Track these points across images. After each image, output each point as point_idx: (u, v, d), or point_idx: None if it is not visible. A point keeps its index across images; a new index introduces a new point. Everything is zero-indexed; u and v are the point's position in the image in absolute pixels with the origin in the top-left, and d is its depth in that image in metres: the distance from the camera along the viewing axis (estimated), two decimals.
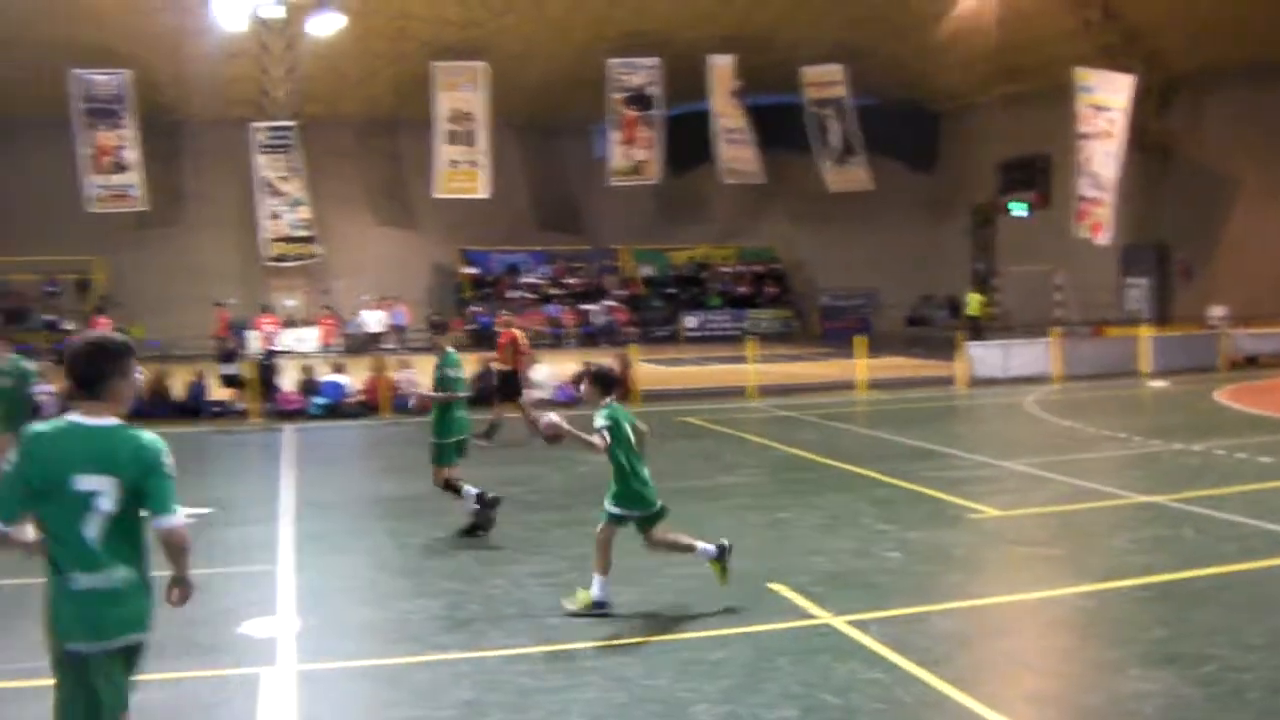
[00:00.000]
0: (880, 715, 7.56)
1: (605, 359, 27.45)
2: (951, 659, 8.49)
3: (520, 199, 47.25)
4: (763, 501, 14.96)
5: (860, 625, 9.21)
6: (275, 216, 43.53)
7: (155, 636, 9.18)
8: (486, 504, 13.13)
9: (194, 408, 24.68)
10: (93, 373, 5.58)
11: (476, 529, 13.11)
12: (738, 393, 27.44)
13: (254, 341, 29.19)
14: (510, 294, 47.13)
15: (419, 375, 25.77)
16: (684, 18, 40.72)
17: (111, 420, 5.56)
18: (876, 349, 30.57)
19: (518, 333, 21.90)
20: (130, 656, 5.65)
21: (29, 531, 5.44)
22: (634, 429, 9.94)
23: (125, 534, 5.48)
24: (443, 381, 13.75)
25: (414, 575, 11.36)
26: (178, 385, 25.75)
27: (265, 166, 43.09)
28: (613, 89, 43.35)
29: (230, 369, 26.24)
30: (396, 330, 43.63)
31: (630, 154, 44.07)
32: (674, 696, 7.85)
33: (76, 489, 5.36)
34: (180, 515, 5.61)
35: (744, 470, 17.78)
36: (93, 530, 5.38)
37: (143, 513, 5.51)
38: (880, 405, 26.13)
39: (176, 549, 5.70)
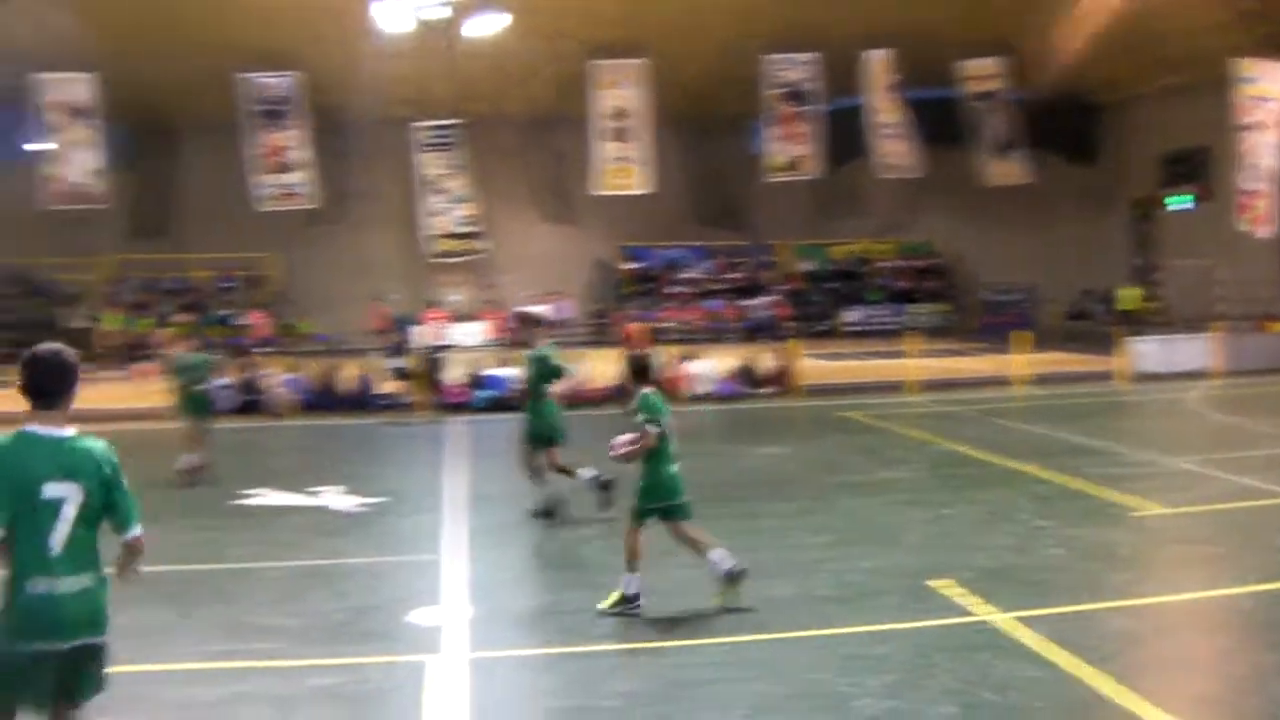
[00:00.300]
0: (1041, 714, 7.55)
1: (764, 354, 27.66)
2: (1112, 658, 8.43)
3: (680, 195, 47.26)
4: (922, 497, 14.90)
5: (1021, 623, 9.17)
6: (438, 214, 44.24)
7: (332, 620, 9.60)
8: (555, 507, 13.93)
9: (362, 400, 25.29)
10: (55, 385, 5.82)
11: (550, 513, 13.87)
12: (897, 388, 27.25)
13: (420, 336, 29.73)
14: (670, 289, 47.32)
15: (582, 369, 26.13)
16: (841, 12, 40.38)
17: (69, 430, 5.78)
18: (1036, 344, 30.11)
19: (637, 330, 22.08)
20: (85, 657, 5.86)
21: None
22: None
23: (86, 540, 5.74)
24: (543, 374, 14.36)
25: (576, 567, 11.57)
26: (346, 379, 26.42)
27: (427, 164, 43.79)
28: (769, 85, 43.23)
29: (397, 363, 26.81)
30: (559, 324, 44.01)
31: (787, 149, 43.87)
32: (836, 690, 7.91)
33: (45, 497, 5.59)
34: (139, 527, 5.96)
35: (904, 465, 17.70)
36: (57, 537, 5.62)
37: (103, 523, 5.80)
38: (1040, 401, 25.76)
39: (137, 554, 6.05)
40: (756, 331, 43.90)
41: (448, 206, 44.08)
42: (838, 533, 12.68)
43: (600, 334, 44.11)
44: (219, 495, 15.70)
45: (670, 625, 9.40)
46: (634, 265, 48.57)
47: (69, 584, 5.68)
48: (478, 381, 25.85)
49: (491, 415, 24.17)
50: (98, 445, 5.85)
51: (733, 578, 9.77)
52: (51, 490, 5.61)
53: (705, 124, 47.46)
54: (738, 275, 48.59)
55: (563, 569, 11.60)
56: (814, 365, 29.46)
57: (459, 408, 24.91)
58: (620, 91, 42.66)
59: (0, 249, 45.71)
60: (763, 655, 8.67)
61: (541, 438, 14.28)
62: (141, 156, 47.21)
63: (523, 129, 45.64)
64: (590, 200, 44.75)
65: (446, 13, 38.60)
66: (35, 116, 42.83)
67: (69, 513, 5.65)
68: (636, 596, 9.82)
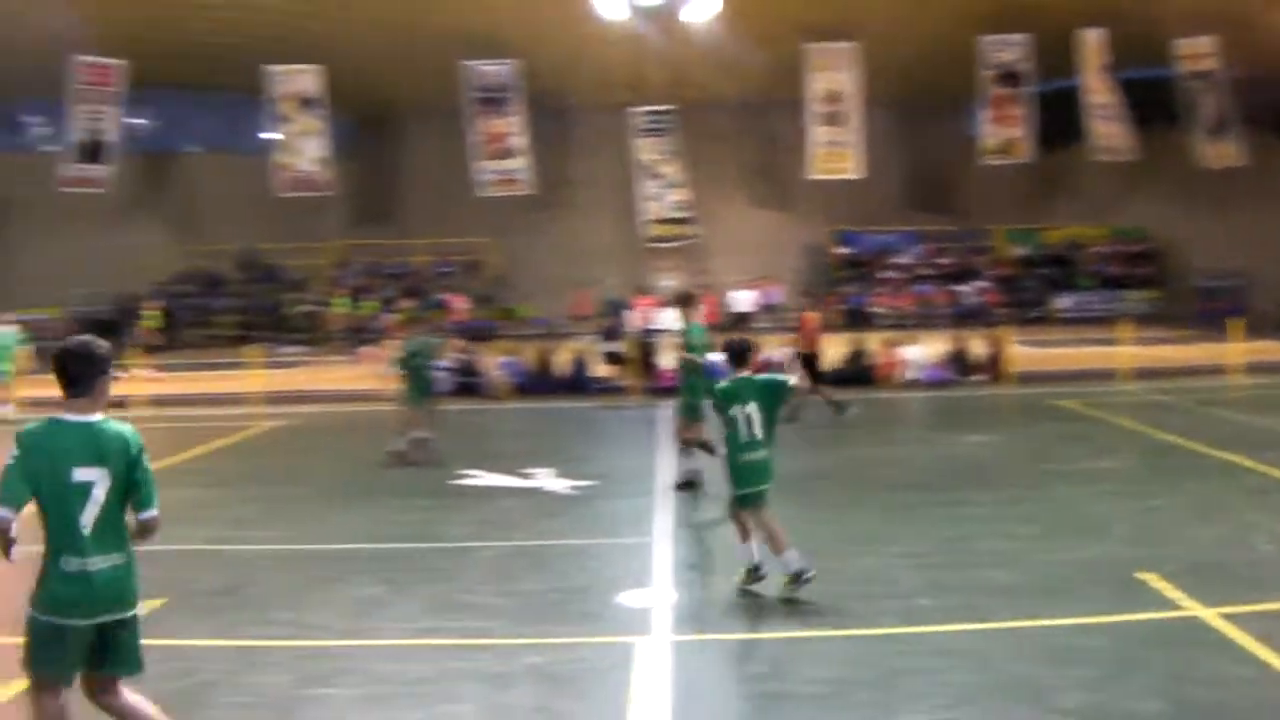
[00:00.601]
0: (1251, 714, 7.27)
1: (975, 341, 27.20)
2: None
3: (891, 179, 46.68)
4: (1132, 487, 14.45)
5: (1231, 619, 8.81)
6: (654, 199, 44.56)
7: (543, 600, 9.75)
8: (693, 480, 14.41)
9: (576, 384, 25.62)
10: (84, 375, 6.15)
11: (690, 485, 14.35)
12: (1109, 376, 26.48)
13: (634, 321, 30.04)
14: (882, 274, 46.80)
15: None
16: None
17: (97, 416, 6.11)
18: (1251, 332, 28.92)
19: (814, 316, 21.91)
20: (116, 630, 6.20)
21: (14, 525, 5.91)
22: (764, 405, 10.02)
23: (114, 521, 6.07)
24: (690, 349, 14.71)
25: None
26: (562, 362, 26.81)
27: (644, 150, 44.11)
28: (983, 66, 42.42)
29: (612, 347, 27.09)
30: (769, 309, 43.98)
31: (1001, 132, 42.95)
32: (1039, 682, 7.74)
33: (75, 480, 5.94)
34: (156, 509, 6.25)
35: (1114, 455, 17.19)
36: (87, 518, 5.96)
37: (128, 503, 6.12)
38: (1255, 391, 24.73)
39: (150, 532, 6.28)
40: (967, 318, 43.09)
41: (662, 192, 44.34)
42: (1046, 523, 12.39)
43: None
44: (438, 476, 16.08)
45: (875, 613, 9.30)
46: (845, 250, 48.12)
47: (99, 562, 6.02)
48: None
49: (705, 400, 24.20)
50: (125, 429, 6.18)
51: (797, 578, 9.83)
52: (81, 474, 5.96)
53: (917, 107, 46.81)
54: (949, 260, 47.76)
55: (769, 554, 11.57)
56: (1024, 352, 28.82)
57: (671, 392, 25.00)
58: (833, 75, 42.34)
59: (234, 235, 47.76)
60: (967, 645, 8.52)
61: (692, 411, 14.59)
62: (365, 145, 48.78)
63: (735, 113, 45.62)
64: (802, 184, 44.49)
65: None
66: (268, 107, 44.47)
67: (99, 495, 5.99)
68: (760, 565, 10.02)
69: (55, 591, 6.00)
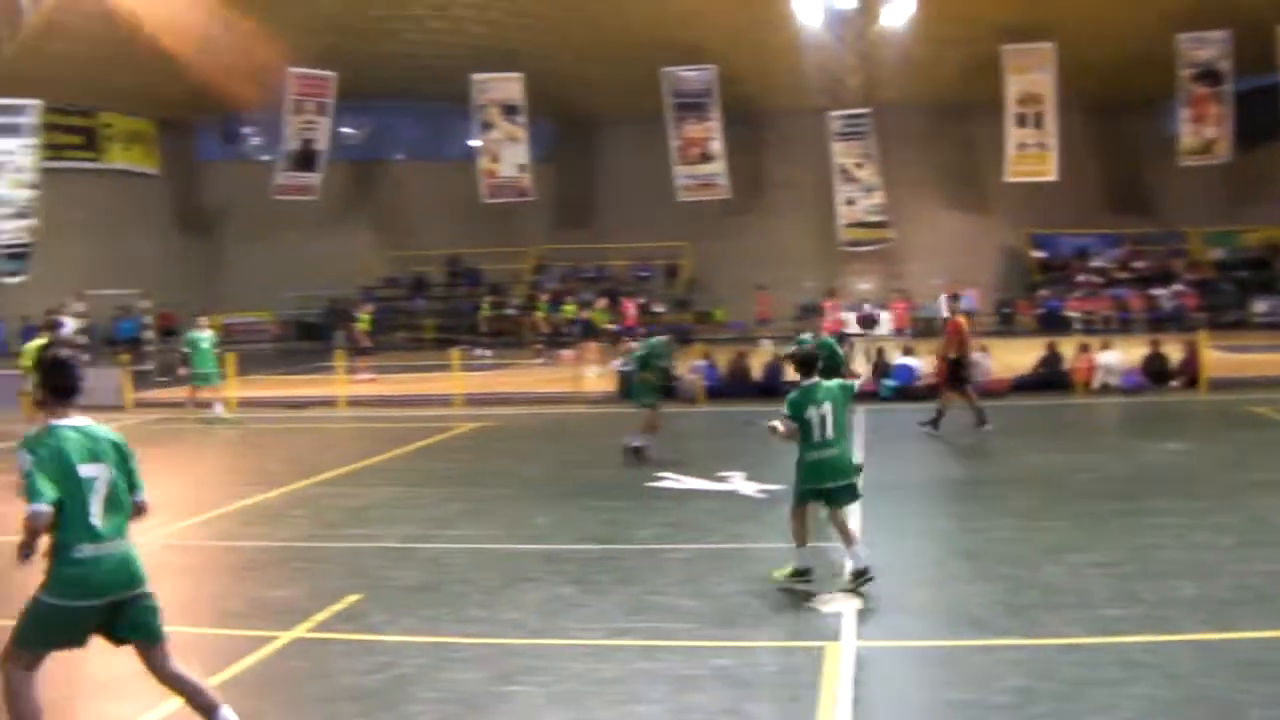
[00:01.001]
0: None
1: (1171, 346, 26.44)
2: None
3: (1088, 180, 45.51)
4: None
5: None
6: (850, 202, 44.31)
7: (733, 603, 9.82)
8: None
9: (771, 387, 25.60)
10: (74, 385, 7.02)
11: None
12: None
13: (825, 325, 30.06)
14: (1078, 277, 45.69)
15: (990, 359, 25.71)
16: None
17: (86, 421, 6.94)
18: None
19: (962, 320, 21.50)
20: (130, 605, 6.92)
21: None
22: (838, 406, 10.66)
23: (118, 510, 6.86)
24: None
25: (974, 558, 11.42)
26: (756, 366, 26.85)
27: (840, 153, 43.86)
28: (1181, 64, 41.18)
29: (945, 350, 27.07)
30: (966, 314, 43.42)
31: (1199, 131, 41.63)
32: (1228, 698, 7.53)
33: (82, 476, 6.69)
34: (144, 493, 7.13)
35: None
36: (95, 509, 6.71)
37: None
38: None
39: (143, 513, 7.17)
40: (1163, 322, 41.86)
41: (857, 195, 44.05)
42: (1240, 533, 12.02)
43: (1007, 324, 43.23)
44: (633, 478, 16.30)
45: (1063, 622, 9.15)
46: (1041, 254, 47.14)
47: (109, 548, 6.77)
48: (885, 370, 25.76)
49: (897, 405, 24.07)
50: (113, 433, 7.03)
51: (859, 576, 10.21)
52: (85, 471, 6.72)
53: (1114, 106, 45.54)
54: (1145, 263, 46.37)
55: (959, 560, 11.47)
56: (1221, 358, 27.89)
57: (865, 397, 24.88)
58: (1029, 76, 41.64)
59: (438, 240, 48.92)
60: (1154, 657, 8.32)
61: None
62: (564, 150, 49.46)
63: (931, 116, 45.09)
64: (998, 187, 43.82)
65: (855, 2, 38.66)
66: (472, 115, 45.47)
67: (101, 489, 6.77)
68: (808, 570, 10.45)
69: (71, 575, 6.68)
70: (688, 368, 26.66)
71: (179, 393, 27.09)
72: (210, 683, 8.06)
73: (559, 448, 20.72)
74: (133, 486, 7.03)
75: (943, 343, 21.72)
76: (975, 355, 25.27)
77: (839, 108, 43.48)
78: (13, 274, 37.82)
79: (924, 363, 25.70)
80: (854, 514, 13.38)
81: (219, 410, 25.41)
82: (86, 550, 6.67)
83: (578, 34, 41.64)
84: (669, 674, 8.24)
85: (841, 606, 9.73)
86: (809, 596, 10.03)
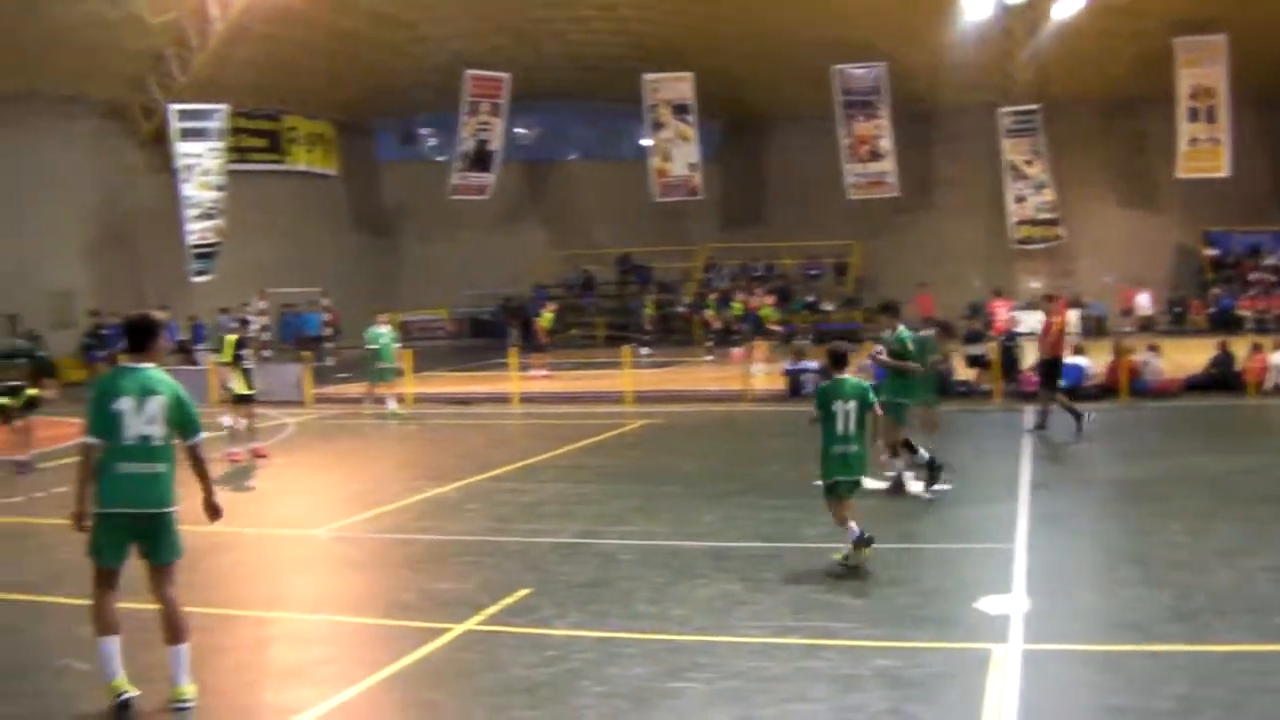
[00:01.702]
0: None
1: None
2: None
3: (1261, 176, 43.98)
4: None
5: None
6: (1020, 200, 43.66)
7: (898, 603, 9.81)
8: (935, 468, 14.77)
9: (939, 386, 25.34)
10: (140, 337, 8.20)
11: (899, 489, 14.77)
12: None
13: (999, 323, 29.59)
14: (1251, 276, 44.20)
15: (1161, 359, 25.13)
16: None
17: (148, 365, 8.10)
18: None
19: (1058, 320, 20.92)
20: (157, 523, 7.96)
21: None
22: (861, 405, 11.29)
23: (165, 438, 7.96)
24: (899, 354, 15.40)
25: (1142, 562, 11.24)
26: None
27: (1010, 150, 43.25)
28: None
29: (976, 350, 26.76)
30: (1126, 313, 42.55)
31: None
32: None
33: (121, 408, 7.82)
34: (201, 435, 8.22)
35: None
36: (138, 431, 7.84)
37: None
38: None
39: (200, 460, 8.21)
40: None
41: (1027, 192, 43.37)
42: None
43: (1179, 323, 42.12)
44: (800, 477, 16.29)
45: (1231, 629, 8.96)
46: (1214, 251, 45.72)
47: (146, 468, 7.88)
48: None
49: None
50: (166, 375, 8.18)
51: (862, 542, 10.95)
52: (129, 402, 7.84)
53: None
54: None
55: (1125, 563, 11.30)
56: None
57: (1034, 396, 24.50)
58: (1200, 69, 40.55)
59: (610, 239, 49.37)
60: None
61: (899, 412, 15.09)
62: (733, 149, 49.53)
63: (1100, 111, 44.14)
64: (1170, 183, 42.78)
65: None
66: (644, 115, 45.80)
67: (153, 412, 7.91)
68: (861, 534, 11.01)
69: (111, 487, 7.79)
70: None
71: (357, 388, 27.83)
72: (385, 673, 8.38)
73: (727, 445, 20.83)
74: (187, 428, 8.16)
75: (1041, 344, 21.28)
76: (1144, 356, 24.83)
77: (1009, 104, 42.88)
78: (200, 273, 39.19)
79: (1093, 362, 25.23)
80: (1020, 514, 13.32)
81: (392, 405, 26.03)
82: (126, 467, 7.89)
83: (745, 32, 41.72)
84: (832, 673, 8.27)
85: (1009, 609, 9.63)
86: (976, 597, 9.98)
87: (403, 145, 53.92)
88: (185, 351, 36.50)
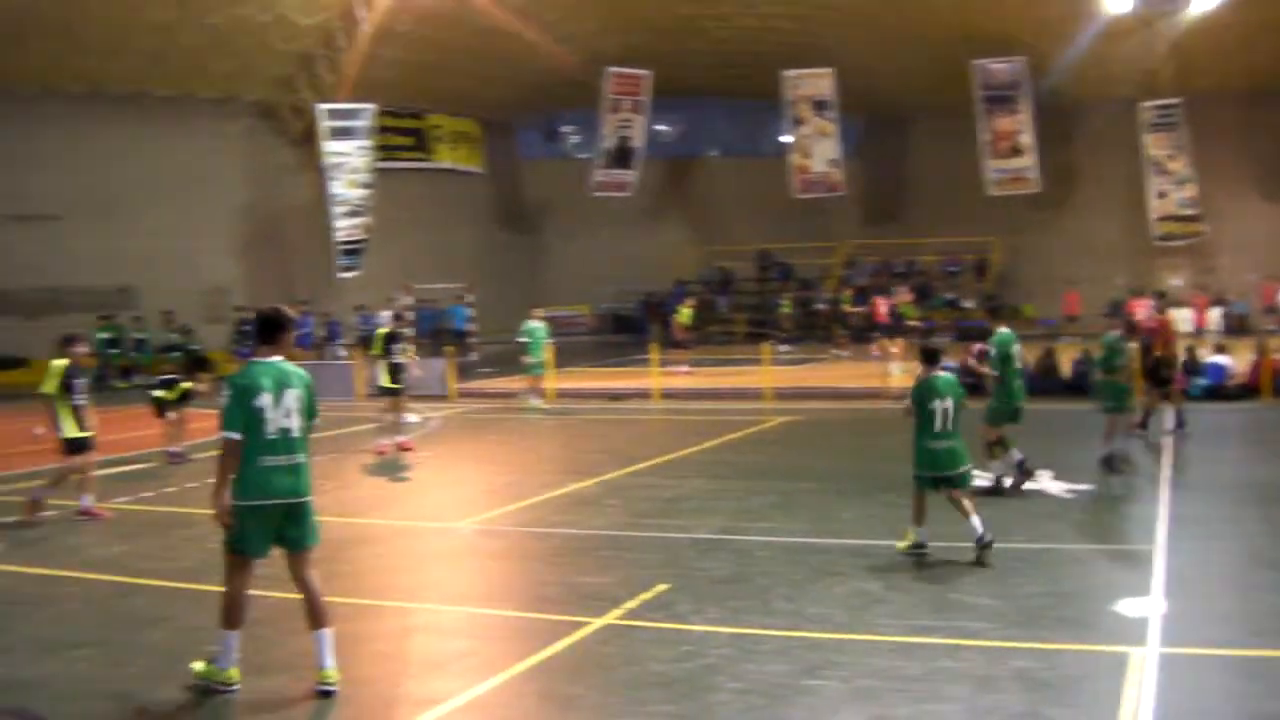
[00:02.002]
0: None
1: None
2: None
3: None
4: None
5: None
6: (1162, 195, 42.72)
7: (1036, 604, 9.74)
8: (1025, 470, 14.93)
9: (1080, 386, 24.98)
10: (272, 331, 8.53)
11: (998, 490, 14.75)
12: None
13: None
14: None
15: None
16: None
17: (279, 358, 8.42)
18: None
19: (1169, 319, 20.29)
20: (298, 512, 8.37)
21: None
22: (956, 401, 11.75)
23: (300, 429, 8.32)
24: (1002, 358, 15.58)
25: None
26: (1065, 363, 26.24)
27: (1152, 145, 42.35)
28: None
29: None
30: (1271, 311, 41.43)
31: None
32: None
33: (266, 402, 8.16)
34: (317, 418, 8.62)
35: None
36: (274, 427, 8.18)
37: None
38: None
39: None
40: None
41: (1170, 188, 42.42)
42: None
43: None
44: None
45: None
46: None
47: (286, 460, 8.23)
48: (1196, 369, 24.77)
49: (1207, 404, 23.08)
50: (298, 368, 8.55)
51: (983, 545, 11.27)
52: (268, 398, 8.17)
53: None
54: None
55: (1266, 567, 11.08)
56: None
57: (1175, 396, 23.98)
58: None
59: (750, 235, 49.36)
60: None
61: (995, 415, 15.37)
62: (872, 145, 49.25)
63: (1244, 104, 42.84)
64: None
65: None
66: (784, 111, 45.73)
67: (289, 405, 8.28)
68: (924, 545, 11.63)
69: (253, 481, 8.13)
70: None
71: (501, 383, 28.21)
72: (524, 665, 8.54)
73: (865, 443, 20.72)
74: (314, 412, 8.57)
75: (1154, 343, 20.67)
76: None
77: (1150, 98, 41.98)
78: (348, 269, 39.99)
79: (1235, 361, 24.66)
80: (1160, 516, 13.11)
81: (535, 400, 26.39)
82: (267, 460, 8.27)
83: (885, 28, 41.44)
84: (970, 673, 8.27)
85: (1149, 611, 9.51)
86: (1114, 599, 9.86)
87: (546, 142, 54.53)
88: (317, 348, 37.34)
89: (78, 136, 37.55)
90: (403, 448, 20.37)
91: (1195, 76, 41.12)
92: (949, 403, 11.70)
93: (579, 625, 9.52)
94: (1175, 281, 43.24)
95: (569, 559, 12.17)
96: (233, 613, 8.20)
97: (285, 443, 8.23)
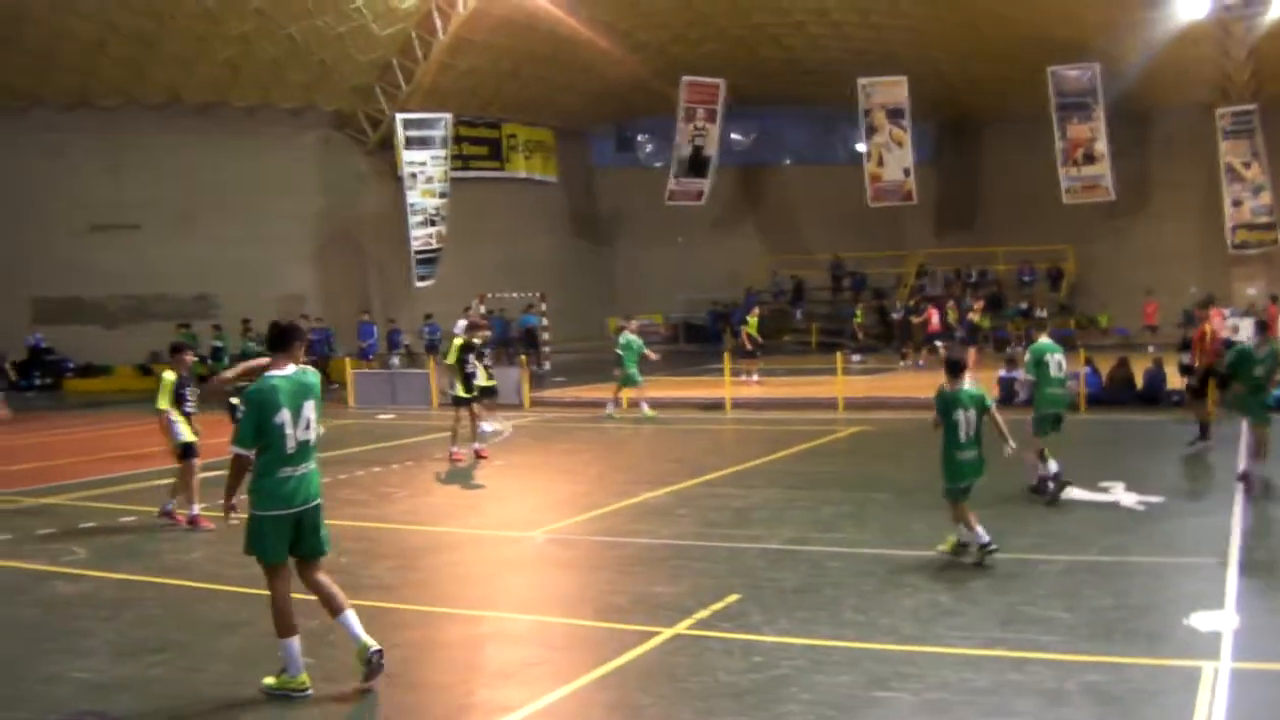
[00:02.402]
0: None
1: None
2: None
3: None
4: None
5: None
6: (1237, 203, 42.20)
7: (1107, 617, 9.66)
8: (1059, 483, 15.03)
9: (1152, 396, 24.74)
10: (285, 342, 8.65)
11: (1037, 491, 15.13)
12: None
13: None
14: None
15: None
16: None
17: (293, 368, 8.55)
18: None
19: (1209, 328, 19.86)
20: (311, 516, 8.54)
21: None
22: (979, 412, 11.93)
23: (316, 437, 8.53)
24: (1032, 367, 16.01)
25: None
26: (1138, 374, 25.97)
27: (1228, 152, 41.83)
28: None
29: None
30: None
31: None
32: None
33: (285, 418, 8.34)
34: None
35: None
36: (293, 440, 8.37)
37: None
38: None
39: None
40: None
41: (1245, 195, 41.88)
42: None
43: None
44: (1009, 486, 16.09)
45: None
46: None
47: (303, 469, 8.49)
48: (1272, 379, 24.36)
49: None
50: (314, 374, 8.75)
51: (985, 549, 11.62)
52: (287, 414, 8.35)
53: None
54: None
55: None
56: None
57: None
58: None
59: (823, 244, 49.29)
60: None
61: (1037, 423, 15.79)
62: (945, 153, 49.00)
63: None
64: None
65: None
66: (858, 119, 45.61)
67: (308, 416, 8.50)
68: (989, 543, 11.66)
69: (271, 491, 8.37)
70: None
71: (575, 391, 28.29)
72: (594, 674, 8.60)
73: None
74: (320, 418, 8.76)
75: (1195, 352, 20.40)
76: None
77: (1226, 104, 41.46)
78: (423, 278, 40.33)
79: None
80: (1234, 529, 12.97)
81: (646, 409, 26.53)
82: (285, 470, 8.50)
83: (958, 35, 41.23)
84: (1039, 687, 8.22)
85: (1221, 625, 9.44)
86: (1187, 613, 9.78)
87: (619, 151, 54.66)
88: (380, 357, 37.70)
89: (157, 147, 38.20)
90: (479, 455, 20.53)
91: (1272, 82, 40.61)
92: (972, 413, 11.92)
93: (649, 635, 9.57)
94: (1250, 290, 42.66)
95: (640, 569, 12.22)
96: (282, 620, 8.40)
97: (303, 453, 8.49)
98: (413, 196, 39.83)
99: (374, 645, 8.36)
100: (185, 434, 15.09)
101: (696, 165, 47.15)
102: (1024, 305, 45.30)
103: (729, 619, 10.03)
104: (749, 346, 34.75)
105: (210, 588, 11.68)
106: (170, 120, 38.72)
